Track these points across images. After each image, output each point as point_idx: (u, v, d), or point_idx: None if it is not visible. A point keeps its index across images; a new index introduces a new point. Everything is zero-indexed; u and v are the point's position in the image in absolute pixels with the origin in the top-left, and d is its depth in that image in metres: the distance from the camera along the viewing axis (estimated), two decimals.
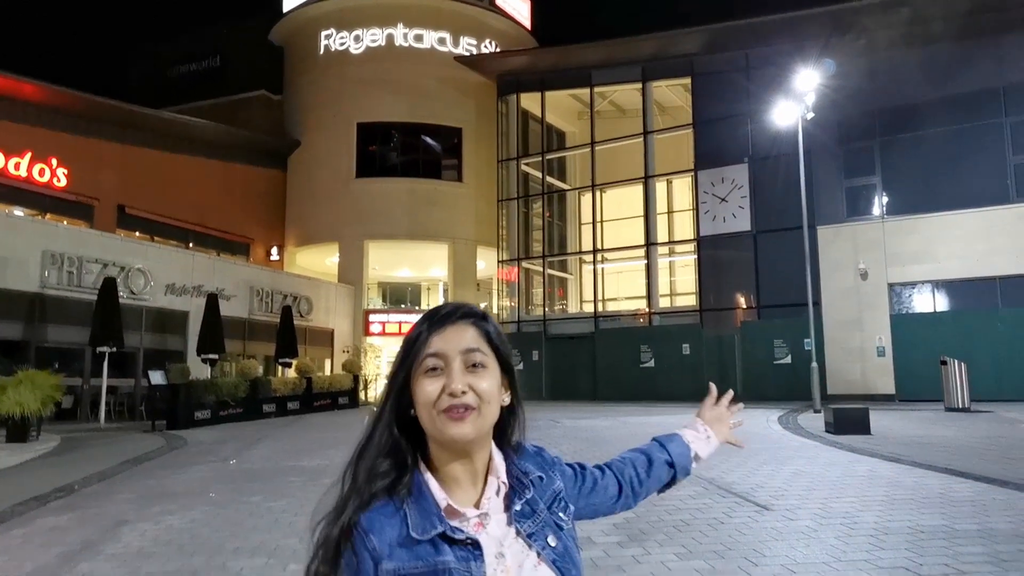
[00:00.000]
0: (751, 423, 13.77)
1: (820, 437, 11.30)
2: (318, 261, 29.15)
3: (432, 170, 28.46)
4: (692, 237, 22.89)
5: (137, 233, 23.83)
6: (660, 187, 25.12)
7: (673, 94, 25.45)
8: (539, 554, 1.09)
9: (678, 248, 25.38)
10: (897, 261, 18.62)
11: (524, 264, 26.74)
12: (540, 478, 1.17)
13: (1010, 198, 17.65)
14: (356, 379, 22.80)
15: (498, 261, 26.86)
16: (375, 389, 25.17)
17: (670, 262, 26.44)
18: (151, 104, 27.00)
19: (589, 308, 25.48)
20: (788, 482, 7.76)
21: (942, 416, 14.08)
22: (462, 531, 1.05)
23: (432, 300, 30.92)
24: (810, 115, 16.72)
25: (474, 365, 1.09)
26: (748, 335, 20.64)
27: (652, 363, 21.94)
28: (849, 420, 11.44)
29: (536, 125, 27.43)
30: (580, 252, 27.15)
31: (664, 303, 24.90)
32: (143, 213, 24.50)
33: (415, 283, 31.37)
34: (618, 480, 1.41)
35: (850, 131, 19.51)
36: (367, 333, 26.82)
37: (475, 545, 1.05)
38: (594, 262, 25.71)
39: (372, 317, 27.17)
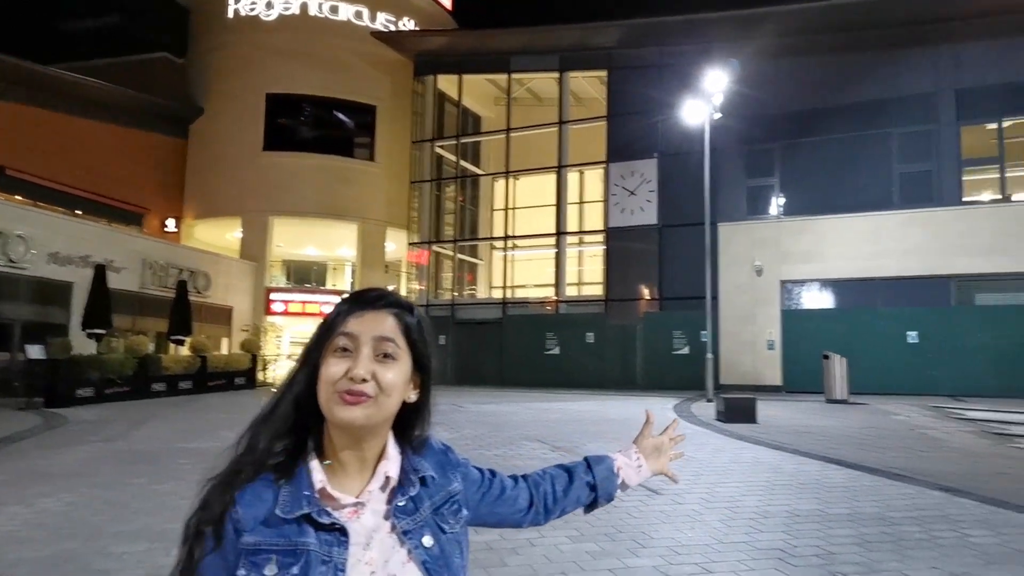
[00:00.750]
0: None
1: (711, 425, 11.81)
2: (218, 235, 28.01)
3: (344, 147, 27.80)
4: (601, 228, 23.34)
5: (19, 197, 22.18)
6: (572, 177, 25.46)
7: (589, 86, 25.79)
8: (410, 552, 1.08)
9: (587, 238, 25.82)
10: (790, 259, 19.60)
11: (435, 248, 26.57)
12: (432, 477, 1.16)
13: (895, 205, 18.86)
14: (255, 359, 22.11)
15: (408, 243, 26.59)
16: (275, 370, 24.50)
17: (579, 251, 26.89)
18: (40, 60, 25.11)
19: (498, 294, 25.62)
20: (678, 468, 8.00)
21: (823, 407, 14.98)
22: (329, 515, 1.05)
23: (338, 280, 30.31)
24: (717, 115, 17.32)
25: (385, 355, 1.09)
26: (650, 325, 21.27)
27: (557, 350, 22.29)
28: (738, 409, 12.00)
29: (452, 108, 27.23)
30: (492, 238, 27.21)
31: (571, 292, 25.32)
32: (26, 176, 22.83)
33: (321, 262, 30.65)
34: (530, 493, 1.38)
35: (753, 133, 20.34)
36: (268, 312, 26.03)
37: (341, 531, 1.05)
38: (505, 248, 25.83)
39: (274, 295, 26.37)
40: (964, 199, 18.37)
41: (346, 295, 1.16)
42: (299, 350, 1.17)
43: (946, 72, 18.73)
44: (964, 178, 18.50)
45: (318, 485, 1.06)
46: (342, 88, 27.14)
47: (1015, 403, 14.41)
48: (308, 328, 28.71)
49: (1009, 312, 17.18)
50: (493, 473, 1.34)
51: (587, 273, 26.89)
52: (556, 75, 24.63)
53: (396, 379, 1.09)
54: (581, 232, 25.74)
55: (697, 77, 17.67)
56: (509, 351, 22.95)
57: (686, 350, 20.35)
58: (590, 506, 1.49)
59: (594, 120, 24.08)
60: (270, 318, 26.07)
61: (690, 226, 19.58)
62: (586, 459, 1.50)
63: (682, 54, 21.53)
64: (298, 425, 1.10)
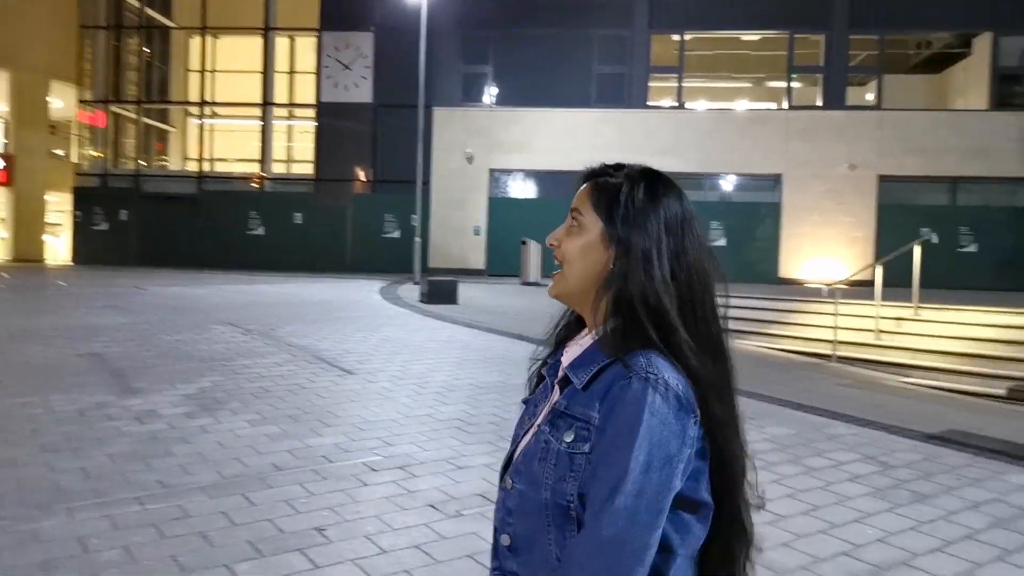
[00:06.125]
0: (355, 293, 14.07)
1: (414, 306, 12.02)
2: None
3: None
4: (313, 102, 21.90)
5: None
6: (282, 43, 23.31)
7: None
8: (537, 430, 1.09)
9: (297, 112, 24.15)
10: (499, 149, 20.25)
11: (114, 108, 22.92)
12: (574, 386, 1.05)
13: (592, 102, 20.24)
14: None
15: (79, 101, 22.57)
16: None
17: (288, 126, 25.11)
18: None
19: (193, 167, 23.12)
20: (375, 347, 8.06)
21: (518, 289, 16.08)
22: (547, 369, 1.18)
23: None
24: None
25: (573, 225, 1.12)
26: (361, 208, 20.86)
27: (262, 231, 20.96)
28: (440, 291, 12.35)
29: None
30: (186, 103, 24.19)
31: (279, 169, 23.75)
32: None
33: None
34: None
35: (470, 18, 20.18)
36: None
37: (546, 388, 1.15)
38: (201, 116, 23.18)
39: None
40: (649, 103, 20.29)
41: None
42: None
43: None
44: (650, 84, 20.38)
45: (566, 346, 1.15)
46: None
47: None
48: None
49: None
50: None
51: (296, 150, 25.31)
52: None
53: (573, 247, 1.10)
54: (291, 105, 23.96)
55: None
56: (205, 230, 21.03)
57: (397, 233, 20.39)
58: None
59: None
60: None
61: (406, 108, 19.16)
62: None
63: None
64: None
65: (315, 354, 7.54)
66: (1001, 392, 5.83)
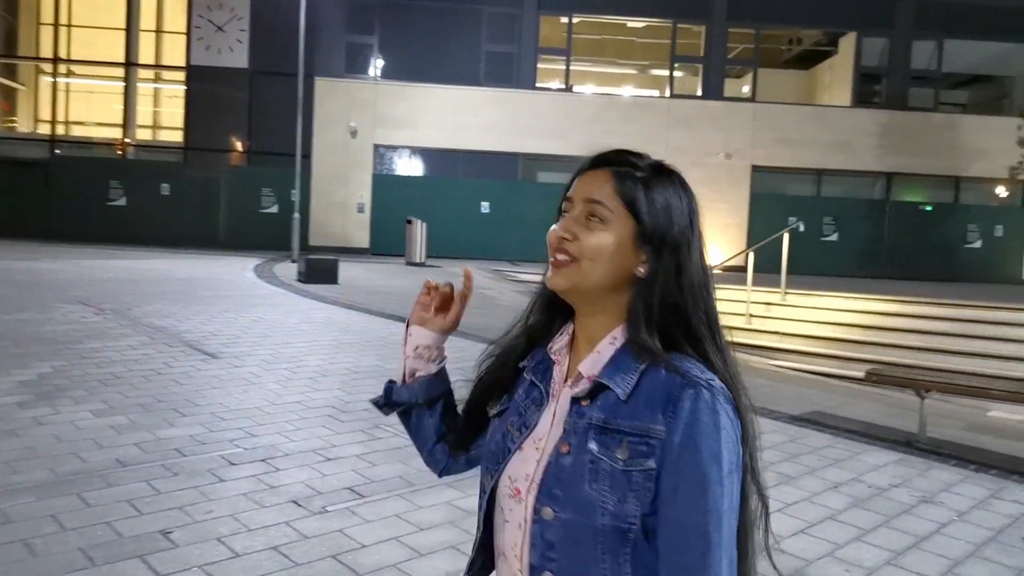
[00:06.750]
0: (226, 271, 13.30)
1: (290, 286, 11.47)
2: None
3: None
4: (182, 64, 20.43)
5: None
6: None
7: None
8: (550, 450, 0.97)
9: (165, 75, 22.47)
10: (385, 124, 19.66)
11: None
12: (613, 393, 0.94)
13: (480, 81, 19.99)
14: None
15: None
16: None
17: (155, 89, 23.32)
18: None
19: (46, 129, 21.09)
20: (245, 329, 7.59)
21: (403, 269, 15.72)
22: (535, 375, 1.04)
23: None
24: None
25: (591, 216, 1.00)
26: (236, 180, 19.74)
27: (124, 201, 19.40)
28: (319, 270, 11.85)
29: None
30: (37, 58, 21.97)
31: (144, 135, 22.06)
32: None
33: None
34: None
35: None
36: None
37: (541, 395, 1.03)
38: (55, 74, 21.14)
39: None
40: (537, 84, 20.28)
41: None
42: None
43: None
44: (539, 65, 20.36)
45: (552, 347, 1.05)
46: None
47: None
48: None
49: (561, 189, 19.87)
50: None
51: (164, 116, 23.58)
52: None
53: (598, 243, 0.98)
54: (157, 66, 22.25)
55: None
56: (60, 199, 19.22)
57: (275, 209, 19.46)
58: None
59: None
60: None
61: (284, 76, 18.21)
62: None
63: None
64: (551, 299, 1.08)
65: (176, 336, 7.01)
66: (860, 375, 6.17)
